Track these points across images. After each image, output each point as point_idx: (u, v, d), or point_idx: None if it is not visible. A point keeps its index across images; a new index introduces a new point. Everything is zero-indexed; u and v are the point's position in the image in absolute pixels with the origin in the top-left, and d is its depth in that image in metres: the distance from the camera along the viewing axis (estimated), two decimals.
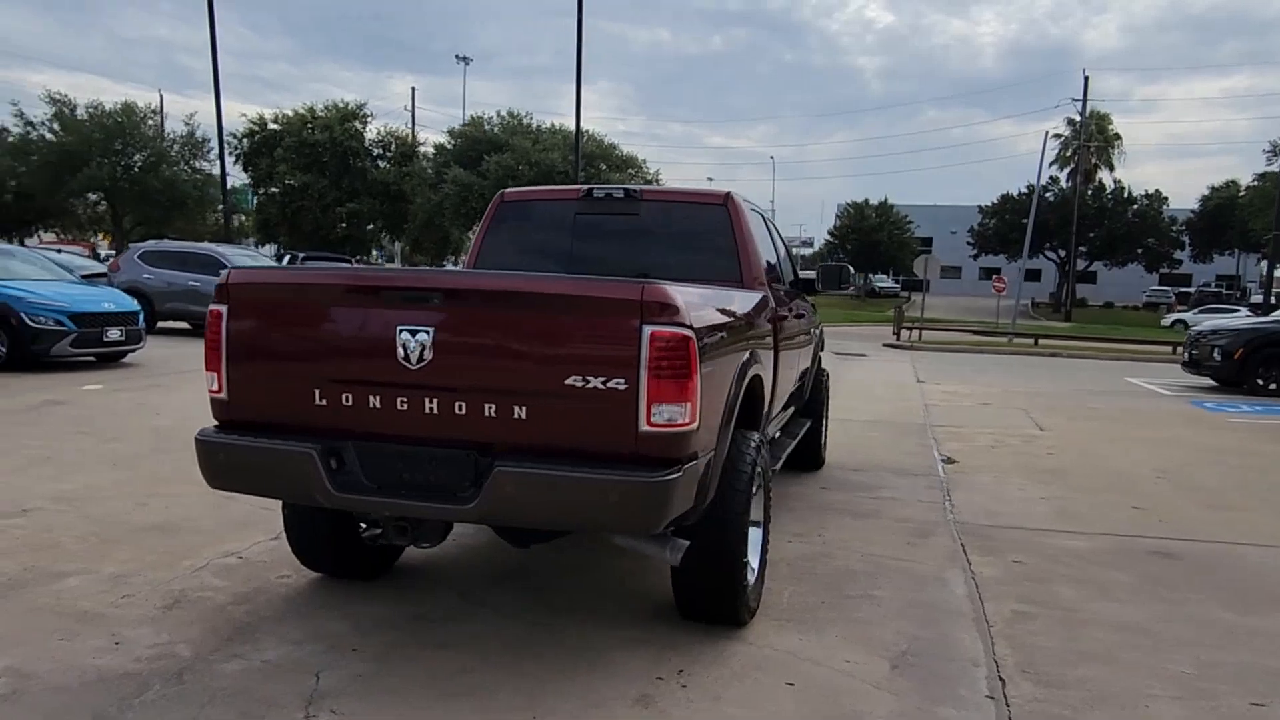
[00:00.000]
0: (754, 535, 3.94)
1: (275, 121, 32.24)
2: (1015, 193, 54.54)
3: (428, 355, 3.13)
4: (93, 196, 34.57)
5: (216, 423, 3.47)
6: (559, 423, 3.08)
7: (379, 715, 3.05)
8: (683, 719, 3.11)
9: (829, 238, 64.67)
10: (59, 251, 22.83)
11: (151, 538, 4.84)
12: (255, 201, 32.53)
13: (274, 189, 30.92)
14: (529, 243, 5.21)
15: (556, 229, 5.14)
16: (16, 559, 4.46)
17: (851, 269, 6.90)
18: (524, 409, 3.09)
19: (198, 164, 33.45)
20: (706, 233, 4.94)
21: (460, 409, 3.13)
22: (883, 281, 68.36)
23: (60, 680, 3.22)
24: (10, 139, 34.34)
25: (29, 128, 32.47)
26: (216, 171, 30.88)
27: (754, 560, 3.98)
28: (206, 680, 3.26)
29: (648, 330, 2.97)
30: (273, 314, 3.37)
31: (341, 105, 32.05)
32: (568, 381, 3.03)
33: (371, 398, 3.22)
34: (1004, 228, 54.10)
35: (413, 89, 51.63)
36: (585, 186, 5.19)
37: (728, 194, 5.02)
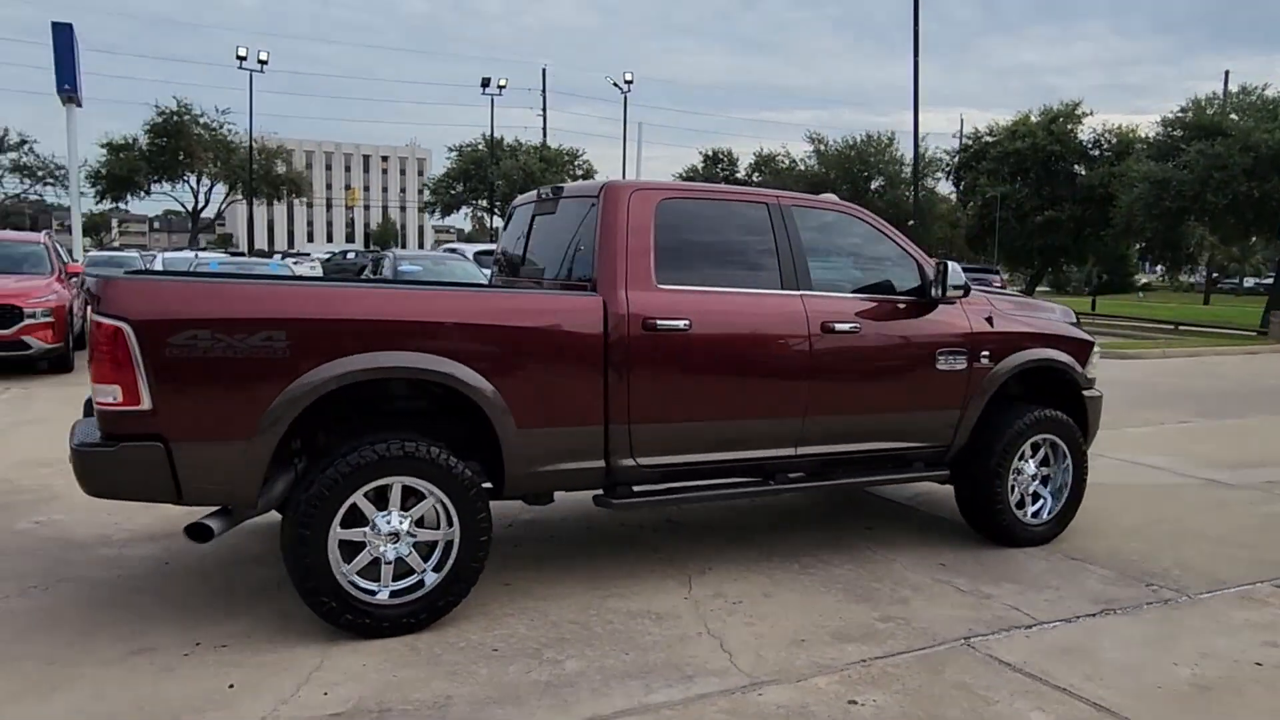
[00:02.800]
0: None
1: (990, 134, 32.20)
2: None
3: None
4: None
5: None
6: None
7: None
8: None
9: None
10: None
11: None
12: (964, 215, 32.90)
13: (975, 201, 30.84)
14: (512, 241, 5.40)
15: (524, 228, 5.24)
16: None
17: (951, 265, 4.93)
18: None
19: (928, 182, 35.51)
20: (585, 229, 4.52)
21: None
22: None
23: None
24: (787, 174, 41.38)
25: (790, 162, 38.93)
26: (942, 189, 32.42)
27: (420, 575, 3.90)
28: (63, 553, 4.76)
29: (93, 318, 3.43)
30: None
31: (1057, 107, 30.09)
32: None
33: None
34: None
35: (1225, 72, 43.65)
36: (547, 186, 5.18)
37: (604, 187, 4.48)
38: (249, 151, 43.04)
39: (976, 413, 5.19)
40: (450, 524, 3.91)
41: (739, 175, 47.31)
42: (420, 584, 3.90)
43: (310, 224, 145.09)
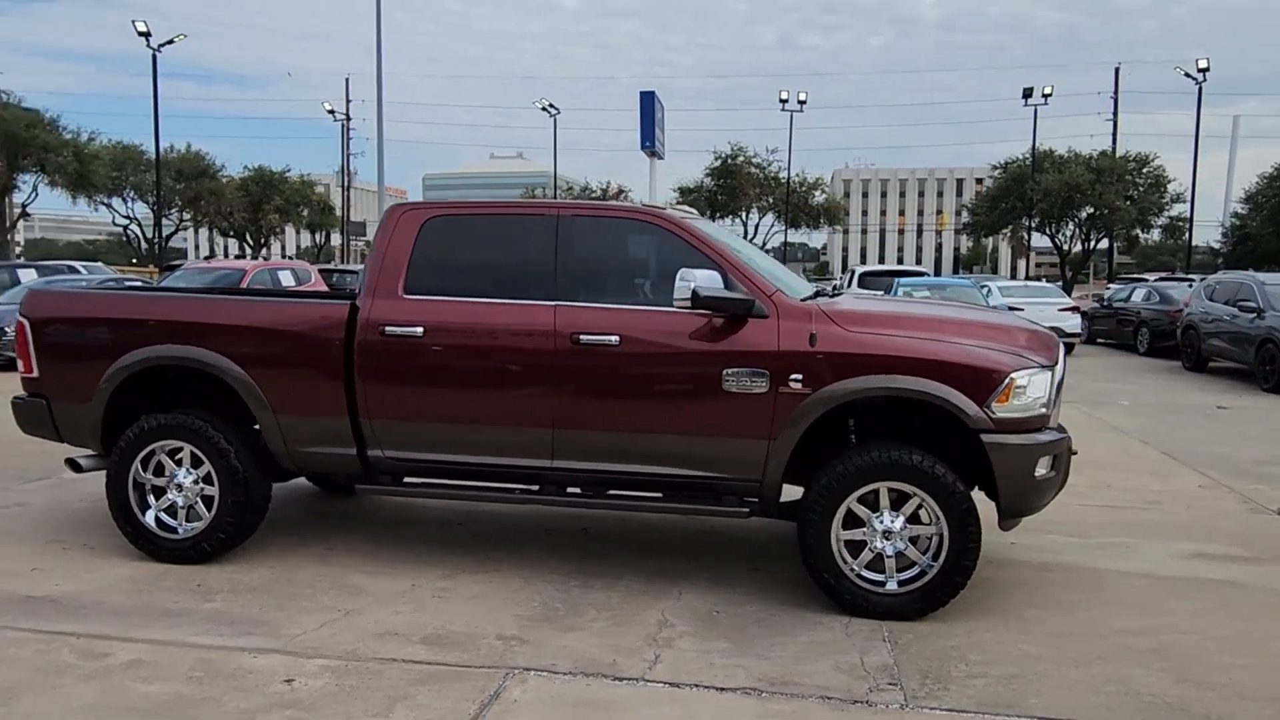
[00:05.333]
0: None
1: None
2: None
3: None
4: None
5: None
6: None
7: None
8: None
9: None
10: None
11: None
12: None
13: None
14: None
15: None
16: None
17: (682, 271, 4.16)
18: None
19: None
20: None
21: None
22: None
23: None
24: None
25: None
26: None
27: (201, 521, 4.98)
28: None
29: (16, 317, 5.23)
30: None
31: None
32: None
33: None
34: None
35: None
36: None
37: (388, 209, 5.02)
38: (787, 185, 46.89)
39: (789, 445, 4.42)
40: (211, 483, 4.92)
41: None
42: (199, 529, 4.97)
43: (900, 249, 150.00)
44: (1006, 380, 4.29)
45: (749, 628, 4.23)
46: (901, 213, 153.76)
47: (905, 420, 4.61)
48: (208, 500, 4.98)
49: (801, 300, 4.62)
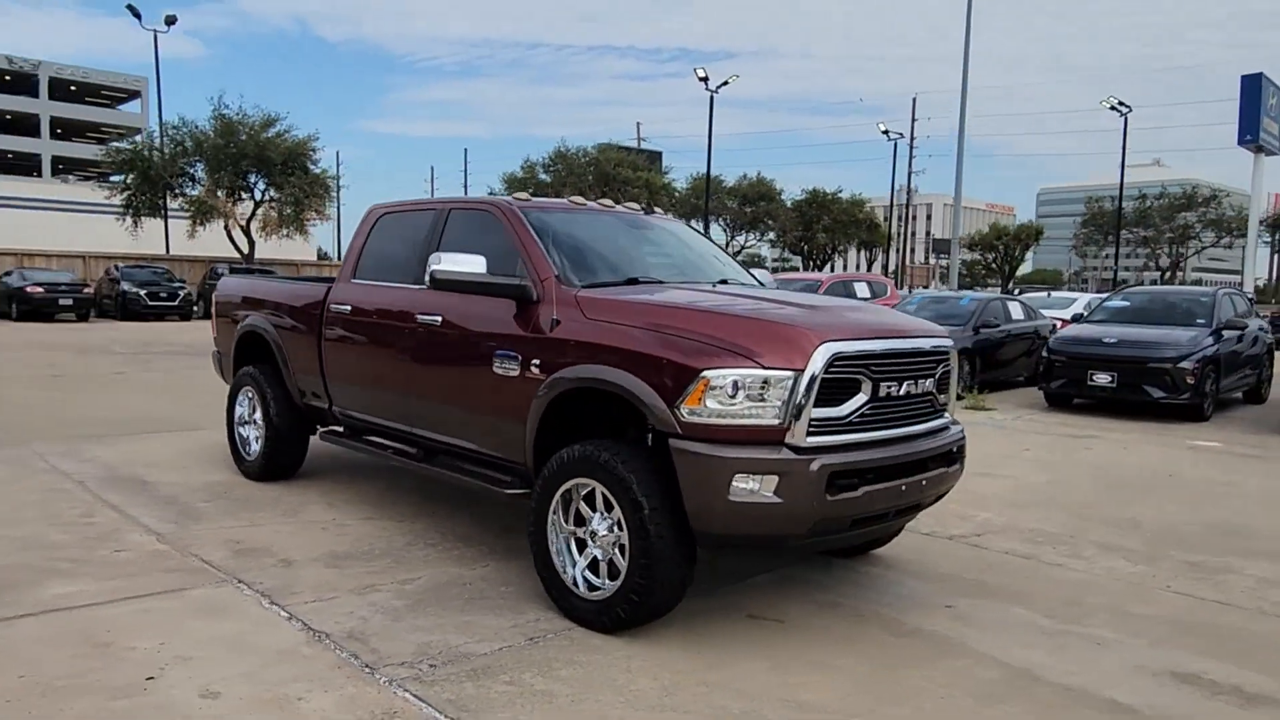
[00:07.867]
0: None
1: None
2: None
3: None
4: None
5: None
6: None
7: None
8: None
9: None
10: None
11: None
12: None
13: None
14: None
15: None
16: None
17: (433, 256, 4.17)
18: None
19: None
20: None
21: None
22: None
23: None
24: None
25: None
26: None
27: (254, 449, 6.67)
28: None
29: None
30: None
31: None
32: None
33: None
34: None
35: None
36: None
37: (368, 208, 6.04)
38: None
39: (532, 433, 4.38)
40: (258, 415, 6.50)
41: None
42: (256, 454, 6.59)
43: None
44: (696, 379, 3.70)
45: (456, 600, 4.32)
46: None
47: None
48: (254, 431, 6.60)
49: (585, 285, 4.49)
